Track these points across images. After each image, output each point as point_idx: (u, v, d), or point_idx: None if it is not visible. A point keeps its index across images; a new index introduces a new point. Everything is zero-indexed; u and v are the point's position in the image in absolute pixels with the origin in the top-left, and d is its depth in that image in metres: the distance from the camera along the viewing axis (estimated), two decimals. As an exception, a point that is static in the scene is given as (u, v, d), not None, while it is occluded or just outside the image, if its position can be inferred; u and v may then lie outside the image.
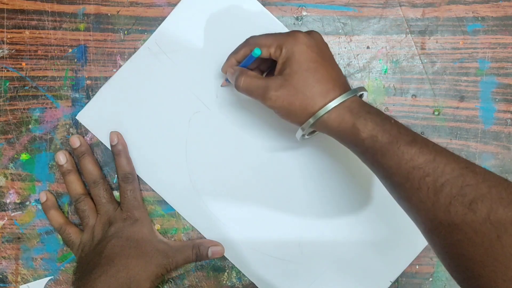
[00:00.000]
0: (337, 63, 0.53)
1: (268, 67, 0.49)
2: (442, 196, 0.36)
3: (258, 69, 0.49)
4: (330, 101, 0.41)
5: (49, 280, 0.53)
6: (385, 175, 0.41)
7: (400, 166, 0.39)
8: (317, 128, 0.44)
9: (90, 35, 0.54)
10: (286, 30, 0.53)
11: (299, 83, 0.42)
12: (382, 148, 0.39)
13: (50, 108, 0.53)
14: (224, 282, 0.53)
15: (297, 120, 0.43)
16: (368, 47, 0.54)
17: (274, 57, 0.44)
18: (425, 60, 0.53)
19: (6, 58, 0.53)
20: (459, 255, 0.36)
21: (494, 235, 0.34)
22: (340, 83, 0.43)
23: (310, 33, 0.45)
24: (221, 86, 0.52)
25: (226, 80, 0.51)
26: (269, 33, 0.46)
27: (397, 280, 0.52)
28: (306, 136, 0.47)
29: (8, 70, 0.53)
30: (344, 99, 0.41)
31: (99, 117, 0.53)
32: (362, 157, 0.42)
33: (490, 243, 0.34)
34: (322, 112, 0.41)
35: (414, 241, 0.52)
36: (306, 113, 0.42)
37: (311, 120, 0.42)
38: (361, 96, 0.44)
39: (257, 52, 0.44)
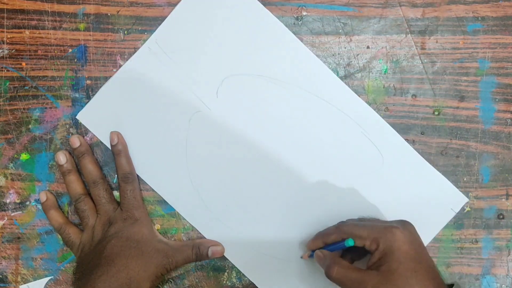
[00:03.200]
0: (338, 63, 0.53)
1: (358, 254, 0.48)
2: None
3: (348, 253, 0.48)
4: None
5: (49, 280, 0.53)
6: None
7: None
8: None
9: (90, 35, 0.54)
10: (286, 30, 0.53)
11: (400, 281, 0.41)
12: None
13: (50, 108, 0.53)
14: (224, 282, 0.53)
15: None
16: (368, 47, 0.54)
17: (368, 249, 0.44)
18: (425, 60, 0.53)
19: (6, 58, 0.53)
20: None
21: None
22: (439, 282, 0.42)
23: (405, 226, 0.44)
24: (301, 258, 0.52)
25: (310, 256, 0.50)
26: (361, 223, 0.46)
27: (397, 280, 0.52)
28: None
29: (8, 70, 0.53)
30: None
31: (99, 117, 0.53)
32: None
33: None
34: None
35: (414, 241, 0.52)
36: None
37: None
38: None
39: (350, 243, 0.44)
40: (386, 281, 0.41)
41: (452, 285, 0.43)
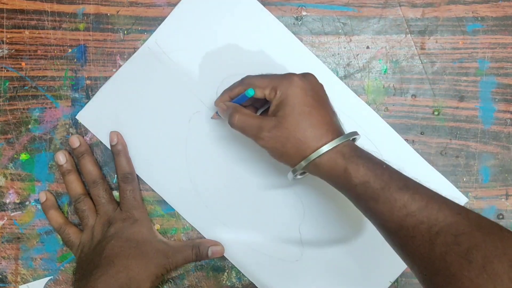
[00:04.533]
0: (337, 63, 0.53)
1: (262, 104, 0.49)
2: (437, 244, 0.36)
3: (253, 106, 0.49)
4: (322, 145, 0.41)
5: (49, 280, 0.53)
6: (378, 222, 0.41)
7: (393, 213, 0.39)
8: (309, 171, 0.44)
9: (89, 35, 0.54)
10: (286, 30, 0.53)
11: (292, 126, 0.42)
12: (374, 194, 0.40)
13: (50, 108, 0.53)
14: (224, 282, 0.53)
15: (289, 161, 0.44)
16: (368, 47, 0.54)
17: (268, 98, 0.44)
18: (425, 60, 0.53)
19: (5, 58, 0.53)
20: None
21: (490, 286, 0.33)
22: (334, 128, 0.43)
23: (305, 75, 0.45)
24: (211, 118, 0.52)
25: (217, 113, 0.51)
26: (265, 74, 0.46)
27: (396, 280, 0.52)
28: (298, 176, 0.47)
29: (7, 70, 0.53)
30: (336, 144, 0.41)
31: (99, 117, 0.53)
32: (354, 202, 0.42)
33: None
34: (314, 156, 0.41)
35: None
36: (298, 155, 0.42)
37: (302, 163, 0.42)
38: (353, 140, 0.44)
39: (250, 92, 0.44)
40: (281, 125, 0.42)
41: (349, 133, 0.43)
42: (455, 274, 0.35)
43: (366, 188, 0.40)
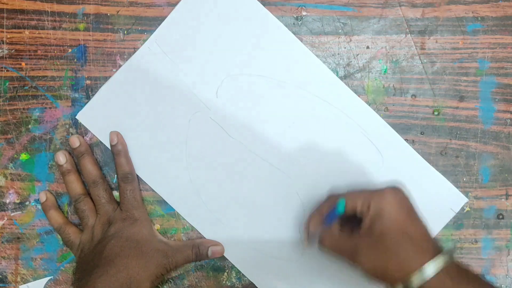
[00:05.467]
0: (337, 63, 0.53)
1: (349, 225, 0.47)
2: None
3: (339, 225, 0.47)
4: (425, 262, 0.40)
5: (49, 280, 0.53)
6: None
7: None
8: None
9: (89, 35, 0.54)
10: (286, 30, 0.53)
11: (391, 243, 0.41)
12: None
13: (50, 108, 0.53)
14: (224, 282, 0.53)
15: (390, 281, 0.41)
16: (367, 47, 0.54)
17: (359, 213, 0.43)
18: (425, 60, 0.53)
19: (5, 58, 0.53)
20: None
21: None
22: (433, 242, 0.42)
23: (395, 188, 0.44)
24: (305, 247, 0.51)
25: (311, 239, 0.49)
26: (353, 189, 0.45)
27: (397, 280, 0.52)
28: None
29: (7, 70, 0.53)
30: (442, 263, 0.40)
31: (99, 117, 0.53)
32: None
33: None
34: (420, 277, 0.39)
35: (414, 241, 0.52)
36: (400, 274, 0.40)
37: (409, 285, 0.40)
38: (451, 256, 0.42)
39: (341, 204, 0.43)
40: (379, 244, 0.41)
41: (450, 249, 0.42)
42: None
43: None
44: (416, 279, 0.40)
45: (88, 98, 0.53)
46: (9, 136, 0.53)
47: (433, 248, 0.41)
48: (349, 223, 0.46)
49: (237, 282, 0.53)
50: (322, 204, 0.48)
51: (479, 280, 0.41)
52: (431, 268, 0.40)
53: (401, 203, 0.43)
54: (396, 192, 0.43)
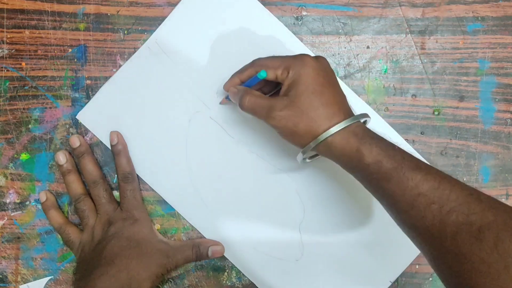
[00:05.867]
0: (337, 63, 0.53)
1: (270, 90, 0.49)
2: (448, 224, 0.36)
3: (261, 90, 0.48)
4: (335, 125, 0.41)
5: (49, 280, 0.53)
6: (389, 201, 0.41)
7: (405, 193, 0.39)
8: (319, 151, 0.44)
9: (90, 35, 0.54)
10: (286, 30, 0.53)
11: (304, 104, 0.42)
12: (386, 174, 0.39)
13: (50, 108, 0.53)
14: (224, 282, 0.53)
15: (300, 142, 0.43)
16: (368, 47, 0.54)
17: (280, 79, 0.44)
18: (425, 60, 0.53)
19: (6, 58, 0.53)
20: (466, 285, 0.35)
21: (501, 266, 0.33)
22: (345, 108, 0.43)
23: (317, 57, 0.45)
24: (220, 103, 0.52)
25: (226, 98, 0.51)
26: (276, 56, 0.46)
27: (397, 280, 0.52)
28: (307, 160, 0.47)
29: (8, 70, 0.53)
30: (349, 123, 0.41)
31: (99, 116, 0.53)
32: (365, 182, 0.42)
33: (498, 274, 0.33)
34: (326, 134, 0.41)
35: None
36: (309, 135, 0.42)
37: (311, 144, 0.42)
38: (364, 122, 0.44)
39: (262, 74, 0.44)
40: (293, 104, 0.42)
41: (360, 115, 0.43)
42: (465, 253, 0.35)
43: (379, 168, 0.40)
44: (322, 137, 0.41)
45: (88, 98, 0.53)
46: (9, 136, 0.53)
47: (345, 113, 0.42)
48: (270, 88, 0.48)
49: (237, 282, 0.53)
50: (244, 67, 0.48)
51: (383, 140, 0.42)
52: (338, 128, 0.41)
53: (319, 70, 0.43)
54: (318, 60, 0.44)
